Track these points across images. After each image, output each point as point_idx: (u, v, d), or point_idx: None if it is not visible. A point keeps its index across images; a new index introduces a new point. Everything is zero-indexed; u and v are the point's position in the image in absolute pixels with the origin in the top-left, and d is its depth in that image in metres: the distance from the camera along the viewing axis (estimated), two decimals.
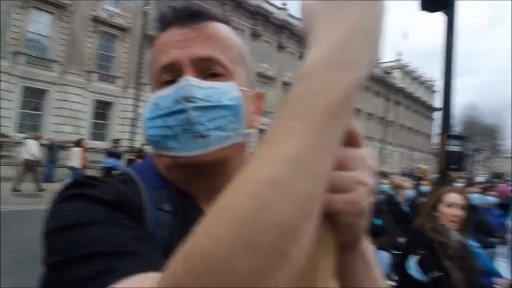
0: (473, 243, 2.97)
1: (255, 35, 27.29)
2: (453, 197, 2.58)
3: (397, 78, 50.03)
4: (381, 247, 4.45)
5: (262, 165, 0.33)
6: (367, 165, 0.44)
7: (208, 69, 0.66)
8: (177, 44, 0.66)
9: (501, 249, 3.26)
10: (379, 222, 4.68)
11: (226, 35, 0.69)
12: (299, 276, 0.33)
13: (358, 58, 0.38)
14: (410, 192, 6.01)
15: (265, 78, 27.49)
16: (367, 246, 0.53)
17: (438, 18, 6.35)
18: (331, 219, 0.41)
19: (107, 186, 0.59)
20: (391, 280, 3.26)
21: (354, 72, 0.37)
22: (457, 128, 34.22)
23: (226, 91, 0.65)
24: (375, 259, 0.54)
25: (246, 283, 0.30)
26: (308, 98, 0.36)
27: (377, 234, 4.56)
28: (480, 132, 47.25)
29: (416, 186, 6.96)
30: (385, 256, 4.29)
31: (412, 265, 2.53)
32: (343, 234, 0.43)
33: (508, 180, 16.43)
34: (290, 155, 0.33)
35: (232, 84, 0.66)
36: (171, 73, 0.65)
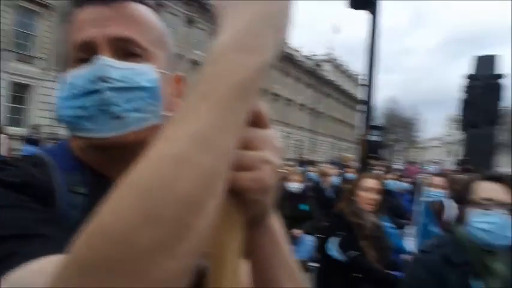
0: (387, 224, 3.24)
1: (190, 21, 26.59)
2: (370, 183, 2.80)
3: (328, 71, 52.08)
4: (307, 231, 4.68)
5: (166, 143, 0.35)
6: (272, 145, 0.46)
7: (125, 49, 0.64)
8: (93, 23, 0.63)
9: (410, 230, 3.61)
10: (305, 207, 4.91)
11: (146, 16, 0.68)
12: (202, 250, 0.35)
13: (262, 43, 0.40)
14: (335, 179, 6.37)
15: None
16: (276, 223, 0.54)
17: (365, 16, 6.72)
18: (238, 196, 0.42)
19: (14, 169, 0.57)
20: (316, 262, 3.43)
21: (259, 56, 0.39)
22: (379, 120, 36.52)
23: (143, 72, 0.63)
24: (284, 235, 0.55)
25: (148, 255, 0.31)
26: (214, 79, 0.37)
27: (303, 219, 4.79)
28: (399, 124, 50.98)
29: (342, 174, 7.37)
30: (311, 239, 4.51)
31: (333, 246, 2.70)
32: (250, 210, 0.44)
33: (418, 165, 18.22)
34: (193, 133, 0.34)
35: (150, 66, 0.65)
36: (87, 52, 0.63)
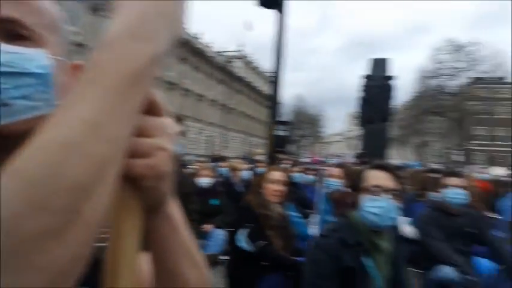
0: (293, 214, 3.43)
1: (95, 9, 24.82)
2: (276, 175, 2.92)
3: (239, 68, 52.86)
4: (217, 225, 4.72)
5: (54, 128, 0.33)
6: (167, 132, 0.46)
7: (12, 32, 0.58)
8: None
9: (314, 218, 3.87)
10: (216, 202, 4.94)
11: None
12: (93, 239, 0.34)
13: (156, 32, 0.40)
14: (246, 174, 6.51)
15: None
16: (175, 210, 0.54)
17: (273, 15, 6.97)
18: (133, 183, 0.42)
19: None
20: (227, 255, 3.49)
21: (152, 45, 0.39)
22: (287, 116, 38.19)
23: (33, 58, 0.59)
24: (184, 222, 0.56)
25: (34, 243, 0.30)
26: (105, 65, 0.36)
27: (214, 214, 4.83)
28: (306, 120, 53.96)
29: (252, 169, 7.55)
30: (221, 234, 4.56)
31: (241, 238, 2.77)
32: (147, 197, 0.44)
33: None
34: (82, 119, 0.33)
35: (42, 51, 0.60)
36: None
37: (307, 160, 17.48)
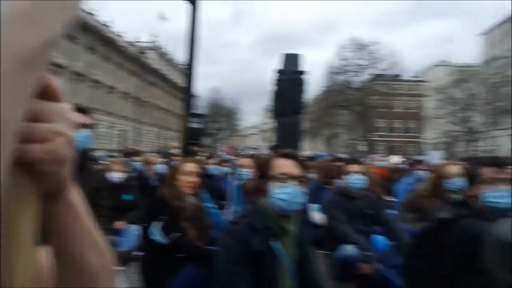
0: (209, 205, 3.47)
1: None
2: (189, 166, 2.94)
3: (153, 59, 51.01)
4: (131, 221, 4.57)
5: None
6: (65, 118, 0.46)
7: None
8: None
9: (229, 209, 3.98)
10: (129, 197, 4.79)
11: None
12: None
13: (48, 14, 0.39)
14: (160, 167, 6.38)
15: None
16: (77, 197, 0.53)
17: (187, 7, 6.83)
18: (29, 169, 0.41)
19: None
20: (141, 250, 3.41)
21: (44, 28, 0.38)
22: (203, 109, 37.99)
23: None
24: (86, 209, 0.54)
25: None
26: None
27: (127, 209, 4.67)
28: (222, 114, 54.17)
29: (167, 162, 7.40)
30: (135, 229, 4.43)
31: (155, 231, 2.74)
32: (46, 183, 0.43)
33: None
34: None
35: None
36: None
37: (223, 153, 17.62)
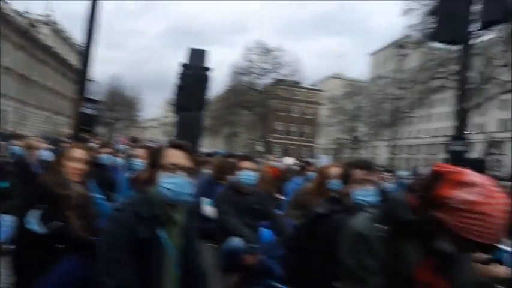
0: (97, 195, 3.34)
1: None
2: (77, 153, 2.80)
3: (46, 35, 46.15)
4: (5, 211, 4.14)
5: None
6: None
7: None
8: None
9: (117, 198, 3.89)
10: (5, 184, 4.33)
11: None
12: None
13: None
14: (45, 154, 5.87)
15: None
16: None
17: None
18: None
19: None
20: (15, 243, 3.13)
21: None
22: (100, 96, 35.61)
23: None
24: None
25: None
26: None
27: (3, 198, 4.21)
28: (121, 103, 51.35)
29: (55, 149, 6.83)
30: (9, 219, 4.03)
31: (32, 220, 2.55)
32: None
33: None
34: None
35: None
36: None
37: (119, 143, 16.82)
